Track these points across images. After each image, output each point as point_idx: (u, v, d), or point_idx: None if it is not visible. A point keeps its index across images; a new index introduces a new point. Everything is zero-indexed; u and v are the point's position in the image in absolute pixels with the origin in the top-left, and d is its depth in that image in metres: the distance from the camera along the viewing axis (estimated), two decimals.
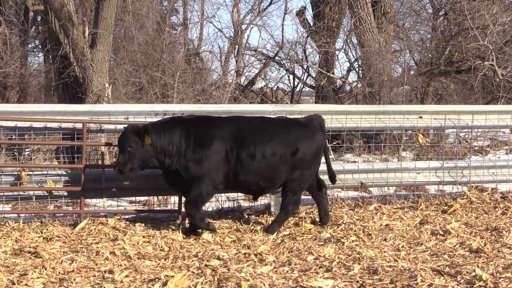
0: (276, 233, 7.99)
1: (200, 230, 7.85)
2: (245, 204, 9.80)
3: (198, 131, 7.90)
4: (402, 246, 7.47)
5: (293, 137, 8.06)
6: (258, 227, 8.27)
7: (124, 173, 7.88)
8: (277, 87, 21.44)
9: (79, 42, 13.85)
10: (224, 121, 8.15)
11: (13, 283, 5.93)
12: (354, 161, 11.48)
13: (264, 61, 21.51)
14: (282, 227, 8.23)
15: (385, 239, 7.80)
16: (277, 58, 21.31)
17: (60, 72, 14.96)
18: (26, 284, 5.92)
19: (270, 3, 22.63)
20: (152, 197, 9.78)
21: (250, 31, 24.11)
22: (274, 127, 8.17)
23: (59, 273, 6.25)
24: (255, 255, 7.00)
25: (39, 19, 24.13)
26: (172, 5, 22.66)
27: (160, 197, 9.79)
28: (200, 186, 7.82)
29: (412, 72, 19.03)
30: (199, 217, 7.87)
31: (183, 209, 8.34)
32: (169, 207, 9.43)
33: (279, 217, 8.25)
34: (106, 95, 13.66)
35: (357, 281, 6.09)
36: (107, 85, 13.83)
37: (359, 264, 6.68)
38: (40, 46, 24.88)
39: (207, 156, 7.79)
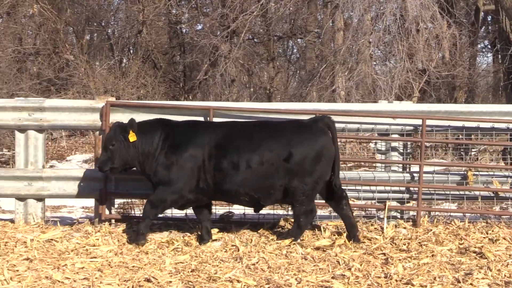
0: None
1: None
2: None
3: (177, 136, 7.42)
4: None
5: (284, 141, 7.25)
6: None
7: (104, 172, 7.52)
8: None
9: None
10: (210, 127, 7.62)
11: (458, 281, 6.02)
12: None
13: None
14: None
15: None
16: None
17: (508, 72, 14.90)
18: (471, 284, 5.97)
19: None
20: None
21: None
22: (263, 132, 7.42)
23: (505, 275, 6.17)
24: None
25: (489, 19, 24.16)
26: None
27: None
28: (165, 192, 7.34)
29: None
30: (148, 223, 7.49)
31: None
32: None
33: (292, 231, 7.44)
34: None
35: None
36: None
37: None
38: (489, 46, 24.94)
39: (178, 162, 7.28)
